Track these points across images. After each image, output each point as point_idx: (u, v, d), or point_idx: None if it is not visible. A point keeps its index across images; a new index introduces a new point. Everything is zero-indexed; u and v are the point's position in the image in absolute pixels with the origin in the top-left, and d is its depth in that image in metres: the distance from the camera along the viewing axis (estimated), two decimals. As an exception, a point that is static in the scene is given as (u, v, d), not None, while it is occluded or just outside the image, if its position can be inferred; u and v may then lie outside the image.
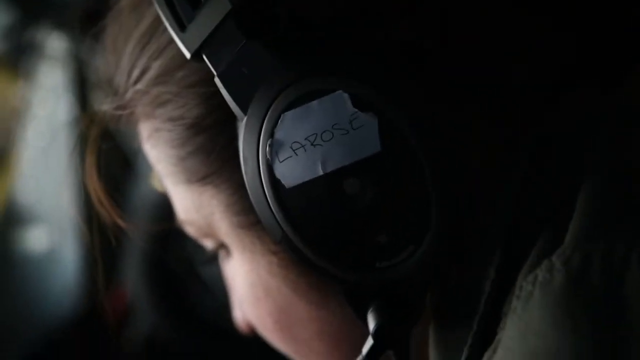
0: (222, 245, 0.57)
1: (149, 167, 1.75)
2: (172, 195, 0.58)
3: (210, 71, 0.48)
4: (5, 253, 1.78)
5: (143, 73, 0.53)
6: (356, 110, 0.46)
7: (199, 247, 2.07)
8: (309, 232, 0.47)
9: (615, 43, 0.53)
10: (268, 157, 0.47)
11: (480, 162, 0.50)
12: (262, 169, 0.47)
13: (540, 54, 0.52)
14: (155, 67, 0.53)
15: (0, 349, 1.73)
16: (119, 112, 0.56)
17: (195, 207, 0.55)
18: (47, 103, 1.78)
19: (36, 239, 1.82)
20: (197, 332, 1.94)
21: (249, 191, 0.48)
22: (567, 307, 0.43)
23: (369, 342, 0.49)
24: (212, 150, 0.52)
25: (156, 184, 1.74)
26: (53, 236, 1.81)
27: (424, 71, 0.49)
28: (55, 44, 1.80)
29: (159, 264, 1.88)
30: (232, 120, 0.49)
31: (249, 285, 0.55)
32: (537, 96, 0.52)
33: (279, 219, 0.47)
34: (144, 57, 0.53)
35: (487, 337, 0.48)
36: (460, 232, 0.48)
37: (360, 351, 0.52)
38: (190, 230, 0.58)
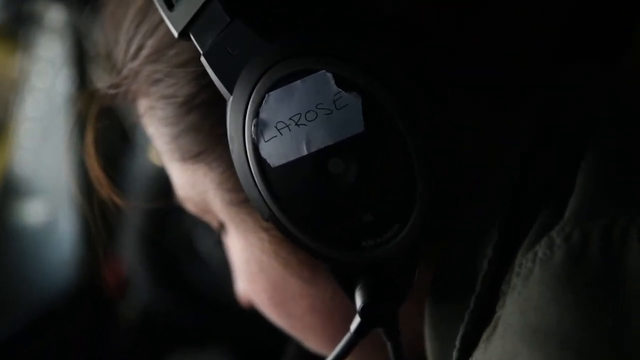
0: (219, 223, 0.58)
1: (147, 141, 1.75)
2: (170, 172, 0.58)
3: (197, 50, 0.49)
4: (3, 225, 1.79)
5: (138, 50, 0.54)
6: (340, 90, 0.46)
7: (196, 222, 2.07)
8: (295, 210, 0.48)
9: (611, 19, 0.53)
10: (253, 136, 0.47)
11: (473, 140, 0.50)
12: (248, 148, 0.47)
13: (537, 26, 0.52)
14: (149, 46, 0.53)
15: (-2, 321, 1.74)
16: (116, 90, 0.57)
17: (190, 185, 0.56)
18: (46, 75, 1.77)
19: (34, 212, 1.82)
20: (194, 305, 1.94)
21: (236, 170, 0.49)
22: (568, 283, 0.43)
23: (357, 319, 0.50)
24: (203, 129, 0.52)
25: (154, 158, 1.74)
26: (51, 208, 1.81)
27: (412, 49, 0.49)
28: (54, 15, 1.79)
29: (157, 236, 1.88)
30: (222, 99, 0.49)
31: (245, 261, 0.56)
32: (535, 71, 0.52)
33: (265, 198, 0.47)
34: (139, 35, 0.54)
35: (484, 315, 0.48)
36: (446, 211, 0.48)
37: (349, 325, 0.52)
38: (189, 206, 0.59)
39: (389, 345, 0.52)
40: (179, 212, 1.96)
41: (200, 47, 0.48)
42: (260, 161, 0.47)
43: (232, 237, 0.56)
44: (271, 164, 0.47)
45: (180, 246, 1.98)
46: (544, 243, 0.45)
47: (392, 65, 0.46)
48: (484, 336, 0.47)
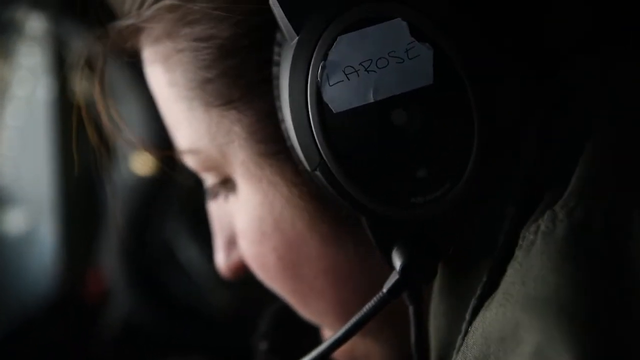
0: (224, 181, 0.56)
1: (129, 151, 1.75)
2: (181, 122, 0.56)
3: None
4: (-17, 234, 1.78)
5: None
6: (413, 39, 0.45)
7: (178, 231, 2.06)
8: (349, 159, 0.47)
9: (627, 13, 0.54)
10: (318, 79, 0.46)
11: (510, 107, 0.51)
12: (310, 92, 0.46)
13: (563, 15, 0.52)
14: None
15: (-23, 330, 1.73)
16: (130, 31, 0.55)
17: (210, 134, 0.54)
18: (26, 83, 1.77)
19: (14, 221, 1.81)
20: (174, 315, 1.94)
21: (285, 116, 0.48)
22: (569, 254, 0.43)
23: (393, 277, 0.49)
24: (242, 74, 0.51)
25: (136, 168, 1.74)
26: (31, 218, 1.80)
27: (479, 8, 0.49)
28: (34, 24, 1.79)
29: (138, 246, 1.88)
30: (269, 42, 0.48)
31: (257, 218, 0.54)
32: (557, 52, 0.52)
33: (319, 145, 0.46)
34: None
35: (493, 288, 0.48)
36: (491, 176, 0.48)
37: (362, 291, 0.52)
38: (193, 161, 0.57)
39: (411, 309, 0.51)
40: (160, 222, 1.96)
41: None
42: (320, 106, 0.46)
43: (244, 194, 0.54)
44: (333, 109, 0.46)
45: (161, 256, 1.98)
46: (547, 217, 0.45)
47: (465, 20, 0.47)
48: (485, 305, 0.47)
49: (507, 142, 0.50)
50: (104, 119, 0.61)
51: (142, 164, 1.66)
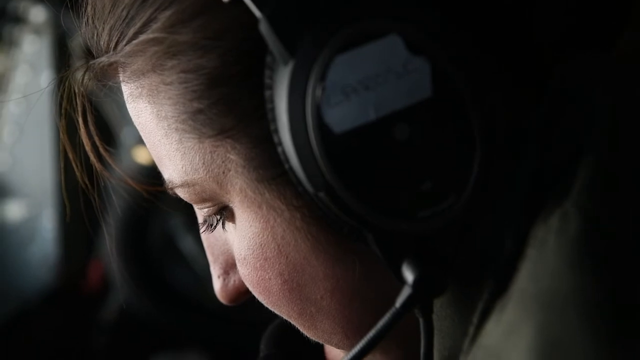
0: (221, 210, 0.55)
1: (131, 141, 1.75)
2: (173, 156, 0.55)
3: (238, 16, 0.48)
4: (-17, 224, 1.78)
5: (147, 24, 0.51)
6: (410, 54, 0.46)
7: (180, 223, 2.06)
8: (353, 178, 0.47)
9: (607, 10, 0.54)
10: (318, 101, 0.46)
11: (509, 112, 0.51)
12: (309, 114, 0.46)
13: (549, 15, 0.52)
14: (165, 17, 0.50)
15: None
16: (111, 68, 0.54)
17: (205, 165, 0.52)
18: (28, 74, 1.77)
19: (13, 210, 1.81)
20: (174, 306, 1.94)
21: (288, 139, 0.46)
22: (585, 249, 0.43)
23: (406, 292, 0.49)
24: (235, 102, 0.50)
25: (139, 158, 1.74)
26: (30, 207, 1.81)
27: (471, 17, 0.49)
28: (36, 14, 1.79)
29: (138, 237, 1.88)
30: (259, 67, 0.47)
31: (259, 245, 0.53)
32: (548, 53, 0.52)
33: (322, 166, 0.46)
34: (148, 9, 0.50)
35: (502, 291, 0.48)
36: (493, 186, 0.48)
37: (369, 307, 0.52)
38: (188, 194, 0.55)
39: (421, 322, 0.51)
40: (162, 214, 1.96)
41: (260, 10, 0.46)
42: (321, 127, 0.46)
43: (243, 222, 0.53)
44: (334, 130, 0.46)
45: (163, 247, 1.98)
46: (558, 214, 0.45)
47: (459, 31, 0.47)
48: (497, 307, 0.47)
49: (509, 147, 0.50)
50: (91, 155, 0.60)
51: (144, 153, 1.66)
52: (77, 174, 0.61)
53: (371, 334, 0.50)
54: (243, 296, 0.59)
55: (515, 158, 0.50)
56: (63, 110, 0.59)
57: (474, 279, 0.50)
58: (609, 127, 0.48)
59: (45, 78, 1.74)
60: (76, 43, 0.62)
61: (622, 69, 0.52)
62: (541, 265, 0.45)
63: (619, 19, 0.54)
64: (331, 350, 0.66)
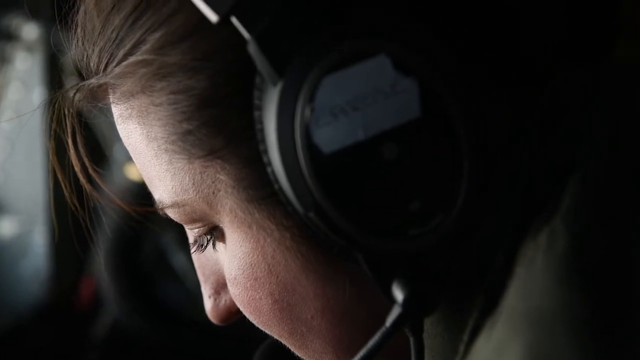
0: (212, 230, 0.56)
1: (123, 157, 1.75)
2: (163, 177, 0.55)
3: (227, 38, 0.48)
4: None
5: (136, 46, 0.51)
6: (398, 74, 0.46)
7: (172, 238, 2.05)
8: (343, 198, 0.47)
9: (597, 22, 0.54)
10: (307, 122, 0.46)
11: (499, 130, 0.51)
12: (298, 135, 0.46)
13: (538, 29, 0.53)
14: (154, 39, 0.50)
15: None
16: (101, 89, 0.54)
17: (194, 185, 0.52)
18: (21, 90, 1.77)
19: (5, 226, 1.81)
20: (166, 322, 1.94)
21: (277, 160, 0.47)
22: (573, 266, 0.44)
23: (396, 311, 0.49)
24: (224, 122, 0.50)
25: (131, 174, 1.74)
26: (22, 224, 1.81)
27: (458, 37, 0.49)
28: (29, 31, 1.80)
29: (130, 253, 1.88)
30: (248, 88, 0.48)
31: (249, 265, 0.53)
32: (541, 66, 0.52)
33: (311, 186, 0.46)
34: (137, 31, 0.50)
35: (492, 308, 0.48)
36: (482, 204, 0.48)
37: (360, 326, 0.53)
38: (178, 214, 0.55)
39: (412, 341, 0.51)
40: (155, 229, 1.96)
41: (248, 31, 0.47)
42: (310, 147, 0.46)
43: (233, 242, 0.53)
44: (323, 150, 0.46)
45: (154, 263, 1.98)
46: (546, 232, 0.46)
47: (447, 50, 0.47)
48: (487, 324, 0.47)
49: (499, 165, 0.50)
50: (81, 178, 0.60)
51: (136, 170, 1.67)
52: (67, 194, 0.61)
53: (361, 353, 0.50)
54: (234, 316, 0.59)
55: (507, 174, 0.51)
56: (52, 132, 0.59)
57: (464, 296, 0.50)
58: (602, 142, 0.49)
59: (37, 95, 1.74)
60: (67, 62, 0.61)
61: (616, 82, 0.52)
62: (530, 283, 0.45)
63: (610, 30, 0.54)
64: None
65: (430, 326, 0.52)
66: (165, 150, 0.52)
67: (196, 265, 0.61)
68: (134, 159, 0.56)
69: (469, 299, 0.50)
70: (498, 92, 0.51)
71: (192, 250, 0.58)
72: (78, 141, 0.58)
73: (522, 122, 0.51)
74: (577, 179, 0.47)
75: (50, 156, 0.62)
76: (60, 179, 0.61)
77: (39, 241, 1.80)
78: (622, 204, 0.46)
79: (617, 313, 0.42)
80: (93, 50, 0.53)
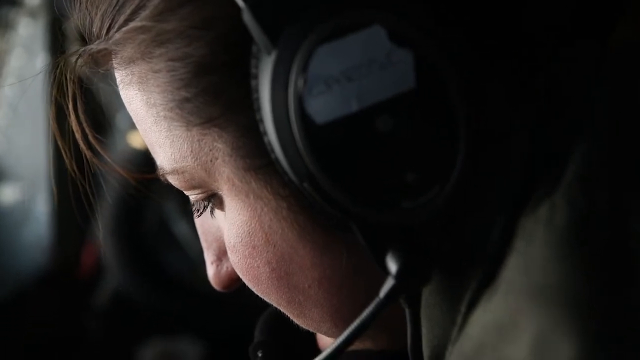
0: (211, 197, 0.56)
1: (126, 126, 1.74)
2: (162, 143, 0.55)
3: (225, 6, 0.48)
4: (-23, 207, 1.78)
5: (136, 12, 0.51)
6: (393, 44, 0.46)
7: (175, 207, 2.05)
8: (336, 169, 0.47)
9: (600, 3, 0.54)
10: (300, 92, 0.46)
11: (496, 104, 0.50)
12: (292, 104, 0.46)
13: (542, 7, 0.52)
14: (153, 5, 0.50)
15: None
16: (102, 55, 0.54)
17: (193, 153, 0.52)
18: (23, 57, 1.76)
19: (7, 193, 1.81)
20: (168, 291, 1.95)
21: (271, 129, 0.47)
22: (574, 243, 0.44)
23: (389, 283, 0.49)
24: (222, 91, 0.50)
25: (134, 142, 1.74)
26: (24, 190, 1.81)
27: (455, 7, 0.49)
28: (32, -4, 1.79)
29: (133, 222, 1.88)
30: (246, 56, 0.48)
31: (247, 233, 0.54)
32: (543, 45, 0.52)
33: (305, 156, 0.46)
34: None
35: (489, 281, 0.48)
36: (478, 176, 0.48)
37: (357, 297, 0.53)
38: (177, 180, 0.56)
39: (407, 312, 0.51)
40: (157, 198, 1.96)
41: (243, 0, 0.46)
42: (304, 118, 0.46)
43: (232, 210, 0.54)
44: (317, 121, 0.46)
45: (157, 232, 1.98)
46: (547, 206, 0.46)
47: (443, 21, 0.47)
48: (485, 297, 0.47)
49: (497, 139, 0.50)
50: (82, 145, 0.60)
51: (139, 138, 1.66)
52: (67, 161, 0.62)
53: (355, 323, 0.50)
54: (236, 283, 0.60)
55: (506, 149, 0.50)
56: (53, 98, 0.59)
57: (462, 268, 0.50)
58: (604, 119, 0.48)
59: (40, 61, 1.73)
60: (70, 27, 0.62)
61: (618, 61, 0.52)
62: (530, 257, 0.45)
63: (613, 11, 0.54)
64: (322, 337, 0.66)
65: (429, 296, 0.52)
66: (164, 117, 0.53)
67: (199, 231, 0.62)
68: (136, 125, 0.57)
69: (467, 271, 0.50)
70: (499, 65, 0.51)
71: (195, 215, 0.59)
72: (79, 107, 0.58)
73: (525, 98, 0.51)
74: (581, 153, 0.47)
75: (51, 122, 0.62)
76: (61, 145, 0.61)
77: (41, 208, 1.80)
78: (624, 185, 0.46)
79: (621, 296, 0.42)
80: (96, 13, 0.53)
